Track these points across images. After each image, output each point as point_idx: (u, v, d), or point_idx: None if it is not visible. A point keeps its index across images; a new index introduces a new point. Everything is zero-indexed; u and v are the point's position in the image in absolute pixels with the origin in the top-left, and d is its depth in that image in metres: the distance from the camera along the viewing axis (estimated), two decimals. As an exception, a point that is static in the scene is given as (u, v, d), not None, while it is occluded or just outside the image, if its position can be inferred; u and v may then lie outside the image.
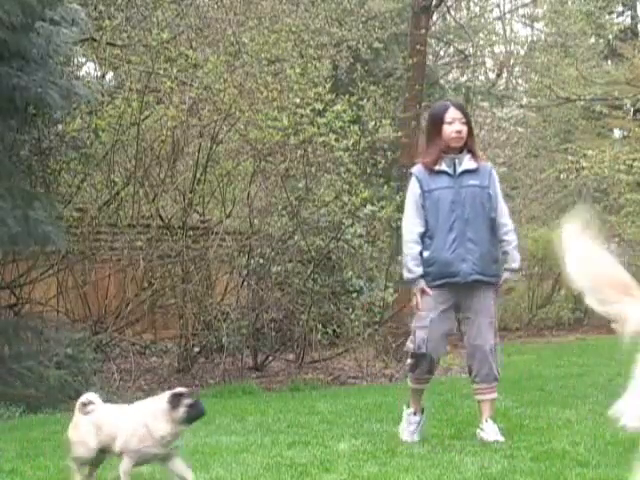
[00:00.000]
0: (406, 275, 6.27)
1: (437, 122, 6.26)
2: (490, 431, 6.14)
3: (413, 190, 6.26)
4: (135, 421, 4.95)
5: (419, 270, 6.17)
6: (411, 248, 6.21)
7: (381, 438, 6.29)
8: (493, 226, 6.25)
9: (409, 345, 6.30)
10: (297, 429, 6.99)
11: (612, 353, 12.70)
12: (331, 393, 9.83)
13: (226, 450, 6.11)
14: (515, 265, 6.34)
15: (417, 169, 6.32)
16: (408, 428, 6.30)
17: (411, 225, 6.25)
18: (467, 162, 6.24)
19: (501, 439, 6.07)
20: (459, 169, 6.23)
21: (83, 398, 5.10)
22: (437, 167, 6.22)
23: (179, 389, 5.14)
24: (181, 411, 4.90)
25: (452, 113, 6.22)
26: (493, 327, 6.26)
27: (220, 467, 5.51)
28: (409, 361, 6.30)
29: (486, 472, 5.10)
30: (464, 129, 6.22)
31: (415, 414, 6.32)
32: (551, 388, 9.00)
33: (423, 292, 6.17)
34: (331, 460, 5.11)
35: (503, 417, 7.07)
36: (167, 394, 5.01)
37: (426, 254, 6.18)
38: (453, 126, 6.19)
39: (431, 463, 5.41)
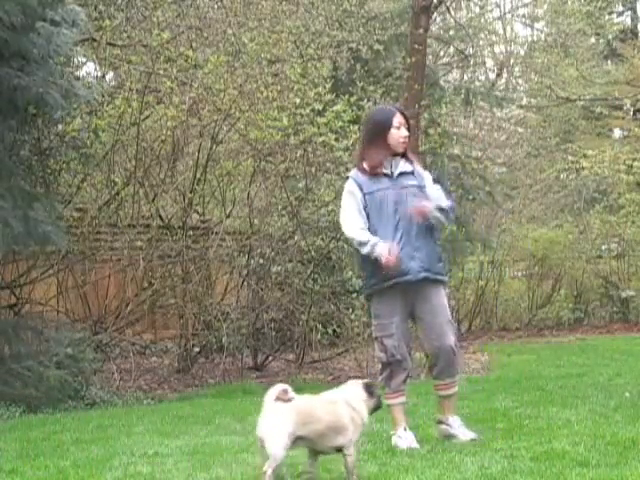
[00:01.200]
0: (365, 250, 6.12)
1: (384, 127, 6.24)
2: (459, 427, 6.20)
3: (353, 193, 6.21)
4: (345, 412, 5.06)
5: (371, 237, 6.10)
6: (358, 233, 6.16)
7: (381, 438, 6.28)
8: (434, 226, 6.31)
9: (380, 355, 6.23)
10: (297, 429, 6.99)
11: (612, 353, 12.73)
12: (331, 393, 9.82)
13: (226, 450, 6.11)
14: (443, 204, 6.29)
15: (354, 173, 6.33)
16: (405, 442, 6.10)
17: (354, 221, 6.19)
18: (403, 164, 6.31)
19: (477, 437, 6.09)
20: (396, 171, 6.28)
21: (279, 387, 5.01)
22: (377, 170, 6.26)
23: (366, 380, 5.36)
24: (373, 401, 5.16)
25: (399, 118, 6.26)
26: (452, 325, 6.33)
27: (220, 467, 5.51)
28: (384, 374, 6.20)
29: (486, 472, 5.10)
30: (407, 134, 6.30)
31: (405, 430, 6.15)
32: (551, 388, 9.00)
33: (389, 250, 6.03)
34: (331, 460, 5.11)
35: (503, 417, 7.08)
36: (359, 384, 5.21)
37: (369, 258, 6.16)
38: (400, 131, 6.24)
39: (431, 463, 5.41)
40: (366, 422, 5.19)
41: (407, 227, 6.17)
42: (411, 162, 6.37)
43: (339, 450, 5.06)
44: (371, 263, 6.13)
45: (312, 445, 4.99)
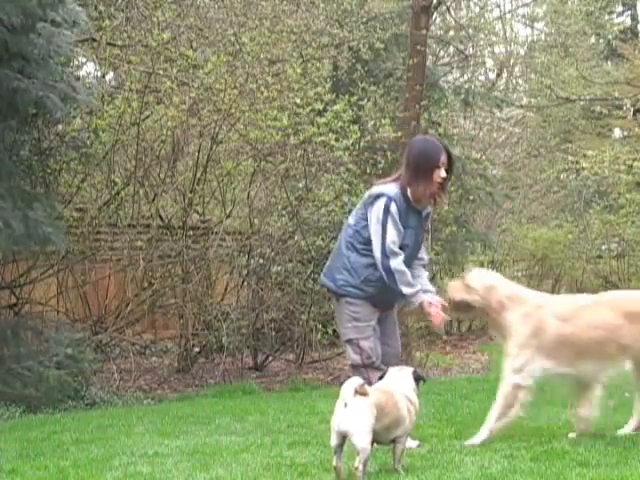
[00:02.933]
0: (407, 290, 6.09)
1: (433, 163, 6.17)
2: None
3: (394, 216, 6.09)
4: (403, 404, 5.17)
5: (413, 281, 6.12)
6: (407, 273, 6.10)
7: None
8: None
9: (354, 358, 6.17)
10: (297, 429, 7.00)
11: (612, 353, 12.70)
12: (331, 393, 9.81)
13: (226, 450, 6.11)
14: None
15: (398, 197, 6.15)
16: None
17: (398, 252, 6.10)
18: (429, 204, 6.37)
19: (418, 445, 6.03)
20: (424, 212, 6.33)
21: (356, 381, 5.01)
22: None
23: (413, 367, 5.49)
24: (418, 387, 5.33)
25: (444, 157, 6.21)
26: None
27: (220, 467, 5.51)
28: (355, 374, 5.95)
29: (486, 472, 5.11)
30: (446, 176, 6.24)
31: None
32: (551, 388, 8.99)
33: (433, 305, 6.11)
34: (331, 460, 5.11)
35: (503, 417, 7.07)
36: (408, 372, 5.34)
37: (368, 272, 6.14)
38: (441, 171, 6.20)
39: (431, 463, 5.41)
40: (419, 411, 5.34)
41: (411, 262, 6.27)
42: (435, 203, 6.39)
43: (393, 440, 5.15)
44: (362, 277, 6.14)
45: (375, 438, 5.01)
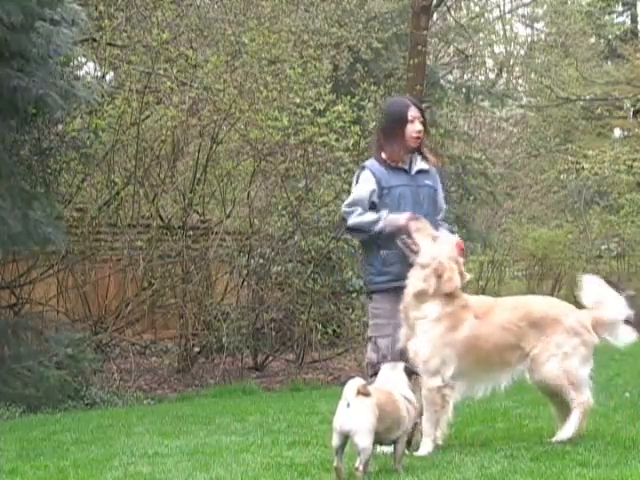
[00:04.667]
0: (379, 226, 5.93)
1: (401, 120, 6.08)
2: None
3: (367, 184, 6.03)
4: (402, 404, 5.15)
5: (379, 213, 5.98)
6: (364, 216, 5.99)
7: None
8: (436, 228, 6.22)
9: (371, 356, 6.07)
10: (297, 429, 6.99)
11: (612, 353, 12.71)
12: (331, 393, 9.81)
13: (226, 450, 6.10)
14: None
15: (371, 163, 6.14)
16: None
17: (358, 209, 6.02)
18: (420, 162, 6.20)
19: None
20: (415, 168, 6.17)
21: (358, 381, 4.97)
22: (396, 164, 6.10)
23: (403, 364, 5.44)
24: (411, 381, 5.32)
25: (413, 112, 6.10)
26: None
27: (220, 467, 5.50)
28: (370, 372, 5.94)
29: (486, 472, 5.10)
30: (422, 129, 6.13)
31: None
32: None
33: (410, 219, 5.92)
34: (331, 460, 5.10)
35: (503, 417, 7.08)
36: (400, 370, 5.32)
37: (385, 252, 6.01)
38: (414, 125, 6.09)
39: (431, 463, 5.41)
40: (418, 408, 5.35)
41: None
42: (427, 160, 6.24)
43: (394, 441, 5.13)
44: (380, 261, 6.03)
45: (377, 438, 5.00)
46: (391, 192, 6.05)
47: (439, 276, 5.82)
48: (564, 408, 5.92)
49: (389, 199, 6.03)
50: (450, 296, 5.88)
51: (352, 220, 6.06)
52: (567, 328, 5.88)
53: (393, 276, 5.99)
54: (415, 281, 5.88)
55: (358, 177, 6.16)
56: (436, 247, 5.92)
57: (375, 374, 5.80)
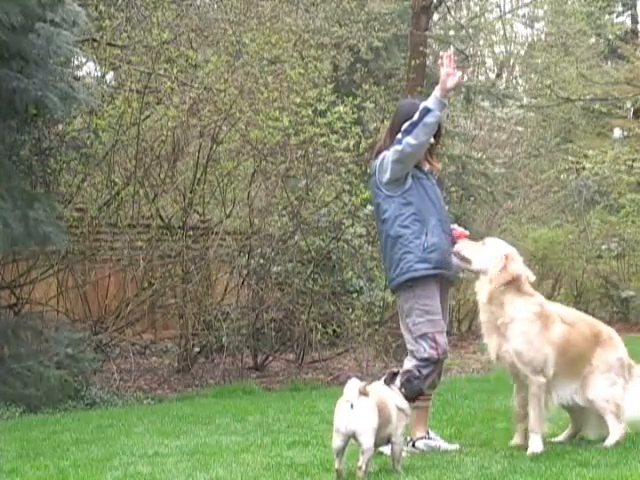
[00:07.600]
0: (435, 115, 6.09)
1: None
2: (440, 438, 6.12)
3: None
4: (392, 406, 5.18)
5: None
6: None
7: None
8: None
9: (431, 353, 5.93)
10: (297, 429, 7.00)
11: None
12: (331, 393, 9.82)
13: (226, 450, 6.11)
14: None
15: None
16: (443, 442, 6.05)
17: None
18: (427, 165, 6.26)
19: (460, 448, 5.98)
20: (425, 167, 6.23)
21: (357, 382, 4.99)
22: None
23: (394, 369, 5.45)
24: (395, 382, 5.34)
25: None
26: None
27: (220, 467, 5.51)
28: (425, 373, 5.80)
29: (486, 472, 5.11)
30: None
31: (428, 433, 6.07)
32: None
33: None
34: (331, 460, 5.11)
35: (503, 417, 7.08)
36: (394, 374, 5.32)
37: (423, 238, 5.97)
38: None
39: (431, 463, 5.42)
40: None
41: (443, 222, 6.13)
42: (431, 165, 6.31)
43: (388, 441, 5.16)
44: (421, 248, 5.96)
45: None
46: (416, 180, 6.07)
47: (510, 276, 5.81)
48: (585, 424, 6.04)
49: (415, 185, 6.06)
50: (526, 293, 5.89)
51: (407, 141, 5.97)
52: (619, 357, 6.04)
53: (434, 263, 5.98)
54: (484, 288, 5.89)
55: (383, 160, 6.08)
56: (486, 250, 6.01)
57: (434, 371, 5.89)
